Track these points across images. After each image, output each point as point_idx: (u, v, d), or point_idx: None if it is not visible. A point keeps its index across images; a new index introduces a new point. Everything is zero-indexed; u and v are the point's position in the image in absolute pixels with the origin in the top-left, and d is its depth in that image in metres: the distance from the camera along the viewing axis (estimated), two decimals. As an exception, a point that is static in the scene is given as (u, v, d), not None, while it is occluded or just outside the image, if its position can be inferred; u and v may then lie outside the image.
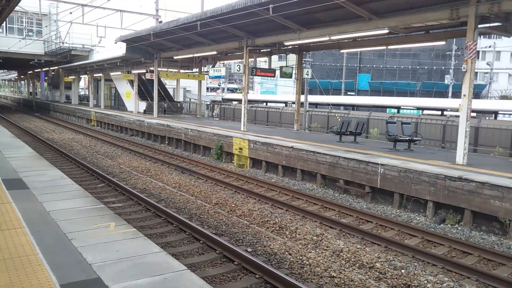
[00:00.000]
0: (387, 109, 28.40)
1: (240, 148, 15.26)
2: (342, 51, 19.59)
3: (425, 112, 24.80)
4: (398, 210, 10.04)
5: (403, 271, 6.61)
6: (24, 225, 5.36)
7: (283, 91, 51.26)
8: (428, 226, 8.98)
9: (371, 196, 10.84)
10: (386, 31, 12.37)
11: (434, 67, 46.72)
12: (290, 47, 17.68)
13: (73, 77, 40.86)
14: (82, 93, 55.63)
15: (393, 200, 10.27)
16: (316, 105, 30.96)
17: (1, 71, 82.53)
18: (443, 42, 13.36)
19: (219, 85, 59.94)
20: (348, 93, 46.30)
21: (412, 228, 8.68)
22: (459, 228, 8.82)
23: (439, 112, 24.28)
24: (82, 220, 5.64)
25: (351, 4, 11.77)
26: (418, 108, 26.20)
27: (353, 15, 12.68)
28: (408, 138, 13.11)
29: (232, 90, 59.35)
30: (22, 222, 5.47)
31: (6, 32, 36.50)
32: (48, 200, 6.53)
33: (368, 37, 14.33)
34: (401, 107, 27.29)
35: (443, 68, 45.32)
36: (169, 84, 36.48)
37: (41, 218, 5.68)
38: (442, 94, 41.70)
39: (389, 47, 14.77)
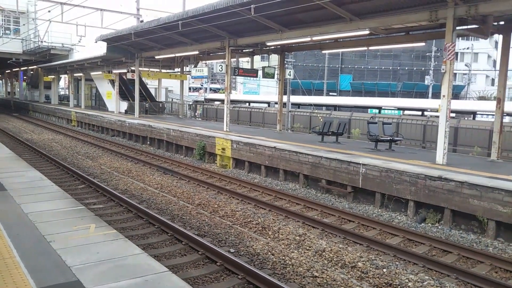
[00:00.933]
0: (369, 109, 28.67)
1: (223, 149, 15.22)
2: (324, 51, 19.69)
3: (406, 112, 25.12)
4: (379, 210, 10.13)
5: (384, 270, 6.67)
6: (1, 227, 5.24)
7: (266, 91, 51.31)
8: (409, 226, 9.09)
9: (353, 195, 10.92)
10: (367, 32, 12.48)
11: (415, 68, 47.38)
12: (272, 47, 17.70)
13: (53, 76, 40.19)
14: (62, 93, 54.77)
15: (374, 200, 10.37)
16: (298, 105, 31.07)
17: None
18: (423, 44, 13.56)
19: (202, 85, 59.75)
20: (330, 93, 46.63)
21: (393, 227, 8.77)
22: (439, 227, 8.95)
23: (420, 113, 24.62)
24: (61, 222, 5.55)
25: (332, 5, 11.84)
26: (399, 109, 26.52)
27: (334, 16, 12.76)
28: (389, 138, 13.25)
29: (215, 90, 59.21)
30: (-1, 224, 5.35)
31: (-18, 31, 35.69)
32: (27, 202, 6.40)
33: (349, 38, 14.44)
34: (382, 108, 27.59)
35: (423, 69, 45.99)
36: (151, 84, 36.16)
37: (19, 220, 5.56)
38: (422, 94, 42.32)
39: (370, 48, 14.92)
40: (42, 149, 17.76)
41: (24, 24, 35.79)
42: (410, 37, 12.99)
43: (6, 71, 53.54)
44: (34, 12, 33.65)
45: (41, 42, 32.49)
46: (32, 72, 45.10)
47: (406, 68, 47.94)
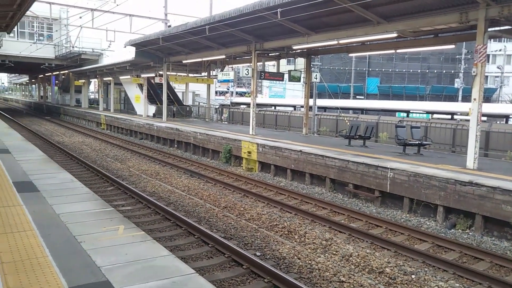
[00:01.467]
0: (396, 113, 28.27)
1: (249, 152, 15.26)
2: (350, 54, 19.56)
3: (435, 116, 24.63)
4: (408, 215, 9.96)
5: (413, 276, 6.55)
6: (34, 227, 5.39)
7: (292, 94, 51.25)
8: (438, 231, 8.89)
9: (381, 200, 10.77)
10: (394, 35, 12.33)
11: (444, 71, 46.43)
12: (299, 51, 17.68)
13: (83, 80, 41.20)
14: (92, 96, 56.10)
15: (402, 205, 10.20)
16: (325, 109, 30.88)
17: (13, 75, 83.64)
18: (453, 46, 13.26)
19: (228, 89, 60.10)
20: (357, 97, 46.19)
21: (422, 233, 8.59)
22: (470, 233, 8.73)
23: (449, 116, 24.10)
24: (91, 223, 5.67)
25: (359, 8, 11.74)
26: (427, 112, 26.02)
27: (361, 19, 12.66)
28: (417, 142, 13.01)
29: (241, 94, 59.49)
30: (32, 224, 5.50)
31: (17, 37, 36.93)
32: (58, 203, 6.56)
33: (376, 41, 14.30)
34: (411, 111, 27.13)
35: (452, 71, 45.01)
36: (178, 88, 36.62)
37: (51, 220, 5.71)
38: (452, 98, 41.42)
39: (398, 51, 14.74)
40: (73, 152, 18.20)
41: (56, 30, 36.87)
42: (439, 39, 12.75)
43: (39, 76, 55.24)
44: (66, 19, 34.62)
45: (73, 47, 33.37)
46: (63, 77, 46.36)
47: (435, 71, 47.04)
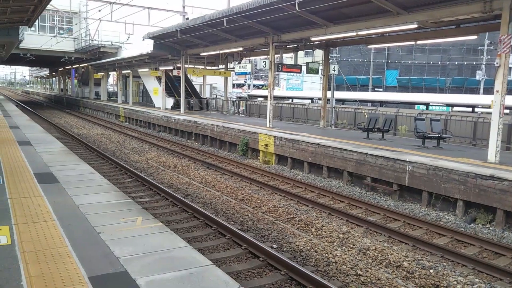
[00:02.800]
0: (416, 105, 27.87)
1: (266, 145, 15.25)
2: (369, 46, 19.29)
3: (455, 108, 24.19)
4: (426, 209, 9.83)
5: (431, 271, 6.47)
6: (54, 218, 5.49)
7: (309, 87, 50.95)
8: (457, 226, 8.76)
9: (399, 194, 10.66)
10: (415, 25, 12.10)
11: (465, 63, 45.50)
12: (317, 42, 17.53)
13: (102, 73, 41.64)
14: (110, 89, 56.70)
15: (421, 199, 10.07)
16: (342, 101, 30.65)
17: (34, 68, 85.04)
18: (475, 37, 12.98)
19: (245, 82, 60.09)
20: (376, 89, 45.64)
21: (441, 227, 8.48)
22: (490, 228, 8.57)
23: (470, 109, 23.66)
24: (110, 214, 5.74)
25: (379, -1, 11.57)
26: (447, 105, 25.60)
27: (380, 10, 12.47)
28: (437, 136, 12.82)
29: (258, 87, 59.42)
30: (53, 215, 5.60)
31: (38, 31, 37.45)
32: (78, 194, 6.66)
33: (396, 32, 14.07)
34: (430, 104, 26.73)
35: (474, 63, 44.08)
36: (196, 80, 36.74)
37: (71, 211, 5.80)
38: (473, 90, 40.60)
39: (418, 42, 14.49)
40: (92, 144, 18.45)
41: (76, 24, 37.27)
42: (461, 30, 12.48)
43: (60, 69, 56.01)
44: (86, 12, 34.95)
45: (92, 40, 33.71)
46: (83, 70, 46.96)
47: (456, 62, 46.14)
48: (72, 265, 4.11)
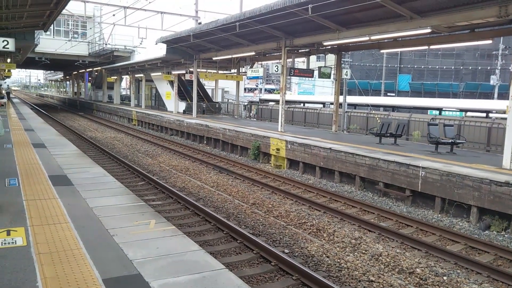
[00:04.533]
0: (429, 110, 27.64)
1: (278, 149, 15.24)
2: (382, 51, 19.23)
3: (469, 114, 23.96)
4: (439, 215, 9.74)
5: (445, 278, 6.41)
6: (68, 220, 5.55)
7: (321, 91, 50.82)
8: (471, 232, 8.66)
9: (412, 199, 10.57)
10: (428, 30, 12.02)
11: (479, 67, 45.02)
12: (329, 47, 17.50)
13: (115, 77, 42.02)
14: (123, 93, 57.16)
15: (434, 204, 9.98)
16: (355, 106, 30.52)
17: (48, 72, 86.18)
18: (490, 41, 12.83)
19: (257, 86, 60.13)
20: (388, 94, 45.35)
21: (454, 233, 8.39)
22: (505, 235, 8.46)
23: (484, 114, 23.40)
24: (123, 216, 5.78)
25: (392, 3, 11.52)
26: (461, 110, 25.35)
27: (393, 14, 12.42)
28: (450, 141, 12.70)
29: (270, 91, 59.38)
30: (67, 217, 5.66)
31: (53, 35, 37.98)
32: (91, 197, 6.73)
33: (409, 37, 14.00)
34: (443, 109, 26.50)
35: (488, 68, 43.60)
36: (208, 84, 36.89)
37: (85, 214, 5.86)
38: (487, 95, 40.14)
39: (432, 46, 14.37)
40: (105, 147, 18.62)
41: (90, 28, 37.72)
42: (476, 34, 12.36)
43: (73, 73, 56.71)
44: (100, 16, 35.37)
45: (105, 44, 34.09)
46: (96, 73, 47.46)
47: (470, 67, 45.68)
48: (86, 267, 4.16)
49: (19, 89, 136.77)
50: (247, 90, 61.71)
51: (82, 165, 9.57)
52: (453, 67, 46.23)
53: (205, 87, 34.96)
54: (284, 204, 10.30)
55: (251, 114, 31.02)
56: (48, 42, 34.82)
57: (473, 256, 7.48)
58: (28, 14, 16.71)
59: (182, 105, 29.81)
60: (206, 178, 13.16)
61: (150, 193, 10.90)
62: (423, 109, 27.50)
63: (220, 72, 28.43)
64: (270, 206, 10.11)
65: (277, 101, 30.25)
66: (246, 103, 34.14)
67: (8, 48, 14.79)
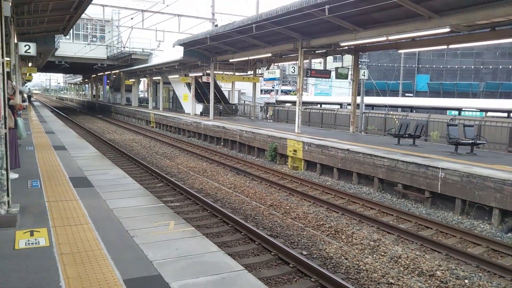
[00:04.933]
0: (447, 111, 27.28)
1: (295, 150, 15.21)
2: (400, 51, 19.05)
3: (489, 114, 23.56)
4: (460, 217, 9.59)
5: (466, 281, 6.31)
6: (89, 221, 5.63)
7: (338, 92, 50.54)
8: (493, 235, 8.51)
9: (431, 201, 10.44)
10: (447, 29, 11.87)
11: (500, 67, 44.19)
12: (346, 48, 17.41)
13: (133, 80, 42.50)
14: (141, 95, 57.76)
15: (454, 206, 9.83)
16: (372, 106, 30.29)
17: (68, 75, 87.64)
18: (511, 40, 12.61)
19: (273, 87, 60.14)
20: (406, 94, 44.88)
21: (475, 236, 8.26)
22: (528, 237, 8.30)
23: (505, 114, 22.98)
24: (143, 218, 5.84)
25: (410, 3, 11.41)
26: (481, 110, 24.95)
27: (412, 14, 12.29)
28: (471, 142, 12.50)
29: (286, 92, 59.37)
30: (88, 218, 5.75)
31: (72, 39, 38.61)
32: (111, 198, 6.82)
33: (427, 37, 13.83)
34: (463, 109, 26.11)
35: (510, 67, 42.77)
36: (225, 86, 37.02)
37: (105, 215, 5.94)
38: (509, 95, 39.38)
39: (450, 46, 14.17)
40: (124, 149, 18.84)
41: (109, 32, 38.26)
42: (496, 33, 12.14)
43: (92, 76, 57.52)
44: (118, 20, 35.84)
45: (124, 47, 34.50)
46: (114, 76, 48.10)
47: (490, 66, 44.88)
48: (108, 267, 4.21)
49: (39, 93, 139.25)
50: (263, 92, 61.75)
51: (101, 167, 9.70)
52: (472, 67, 45.49)
53: (222, 89, 35.11)
54: (301, 206, 10.28)
55: (267, 116, 31.03)
56: (68, 46, 35.41)
57: (496, 259, 7.35)
58: (49, 19, 17.04)
59: (199, 107, 30.00)
60: (224, 179, 13.20)
61: (168, 195, 10.99)
62: (442, 110, 27.15)
63: (236, 74, 28.52)
64: (288, 207, 10.10)
65: (293, 103, 30.24)
66: (262, 105, 34.18)
67: (29, 52, 15.10)
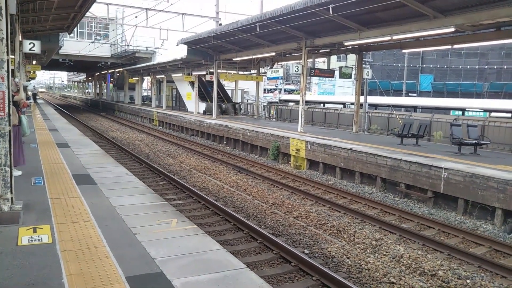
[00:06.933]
0: (451, 111, 27.22)
1: (297, 149, 15.21)
2: (404, 51, 18.99)
3: (493, 114, 23.48)
4: (462, 217, 9.58)
5: (468, 281, 6.30)
6: (92, 218, 5.65)
7: (341, 92, 50.51)
8: (496, 235, 8.49)
9: (434, 201, 10.42)
10: (452, 29, 11.85)
11: (505, 67, 43.98)
12: (350, 47, 17.39)
13: (137, 78, 42.56)
14: (145, 94, 57.81)
15: (457, 206, 9.82)
16: (375, 106, 30.24)
17: (72, 73, 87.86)
18: (516, 40, 12.59)
19: (276, 86, 60.09)
20: (410, 94, 44.77)
21: (478, 236, 8.24)
22: (531, 238, 8.28)
23: (509, 115, 22.90)
24: (145, 215, 5.86)
25: (414, 2, 11.40)
26: (485, 110, 24.87)
27: (416, 14, 12.27)
28: (474, 142, 12.47)
29: (289, 91, 59.26)
30: (91, 215, 5.77)
31: (76, 37, 38.72)
32: (114, 196, 6.84)
33: (432, 36, 13.81)
34: (466, 109, 26.03)
35: (514, 67, 42.58)
36: (228, 85, 37.03)
37: (108, 212, 5.96)
38: (513, 95, 39.22)
39: (455, 46, 14.14)
40: (127, 147, 18.88)
41: (113, 30, 38.35)
42: (501, 33, 12.11)
43: (96, 74, 57.65)
44: (122, 18, 35.88)
45: (127, 46, 34.58)
46: (118, 74, 48.14)
47: (495, 67, 44.71)
48: (110, 264, 4.23)
49: (45, 91, 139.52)
50: (266, 91, 61.68)
51: (104, 165, 9.73)
52: (477, 67, 45.33)
53: (225, 87, 35.13)
54: (304, 205, 10.28)
55: (270, 115, 31.03)
56: (72, 44, 35.52)
57: (498, 259, 7.33)
58: (54, 17, 17.10)
59: (203, 106, 30.03)
60: (226, 178, 13.22)
61: (171, 193, 11.01)
62: (446, 110, 27.08)
63: (240, 72, 28.54)
64: (290, 206, 10.10)
65: (296, 102, 30.21)
66: (265, 104, 34.17)
67: (34, 50, 15.16)
